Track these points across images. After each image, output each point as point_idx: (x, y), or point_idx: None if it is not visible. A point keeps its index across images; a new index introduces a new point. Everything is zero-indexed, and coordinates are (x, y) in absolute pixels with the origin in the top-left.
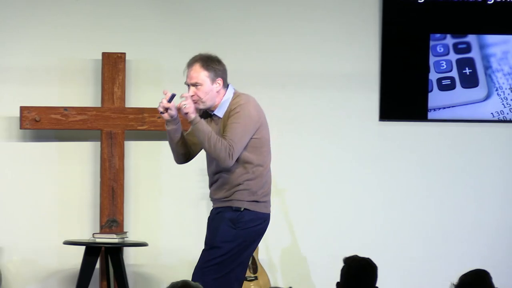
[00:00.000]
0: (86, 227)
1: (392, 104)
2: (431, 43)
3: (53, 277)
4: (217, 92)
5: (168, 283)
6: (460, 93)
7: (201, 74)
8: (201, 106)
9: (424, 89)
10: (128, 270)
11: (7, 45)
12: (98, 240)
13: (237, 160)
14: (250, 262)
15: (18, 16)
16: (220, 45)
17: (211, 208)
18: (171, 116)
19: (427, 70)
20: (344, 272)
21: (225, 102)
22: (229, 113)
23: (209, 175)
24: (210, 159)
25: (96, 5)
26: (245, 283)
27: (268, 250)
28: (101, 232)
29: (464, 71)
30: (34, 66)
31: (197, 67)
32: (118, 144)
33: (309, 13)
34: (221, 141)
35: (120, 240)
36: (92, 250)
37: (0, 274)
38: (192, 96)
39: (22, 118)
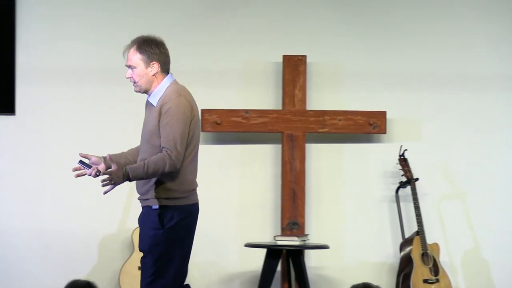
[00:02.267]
0: (267, 230)
1: None
2: None
3: (235, 280)
4: (154, 75)
5: (349, 285)
6: None
7: (135, 57)
8: (137, 89)
9: None
10: (309, 273)
11: (189, 48)
12: (279, 243)
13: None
14: (431, 265)
15: (200, 20)
16: (401, 46)
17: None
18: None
19: None
20: None
21: (159, 90)
22: (161, 106)
23: None
24: (142, 148)
25: (277, 8)
26: (427, 285)
27: (449, 253)
28: (282, 235)
29: None
30: (215, 69)
31: (132, 50)
32: (299, 146)
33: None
34: (155, 160)
35: (301, 243)
36: (273, 253)
37: None
38: (129, 78)
39: (203, 121)
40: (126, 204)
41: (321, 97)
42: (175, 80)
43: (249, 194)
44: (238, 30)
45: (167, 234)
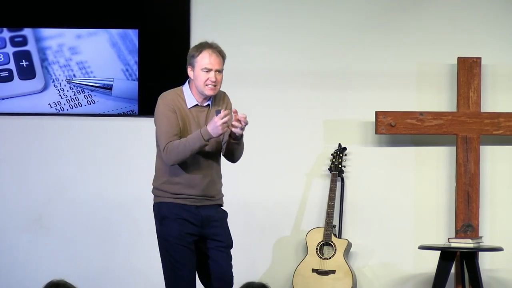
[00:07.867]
0: (441, 232)
1: None
2: None
3: (409, 281)
4: None
5: None
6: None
7: (221, 63)
8: (214, 92)
9: None
10: (483, 275)
11: (363, 50)
12: (453, 245)
13: (219, 156)
14: None
15: (375, 22)
16: None
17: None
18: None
19: None
20: None
21: None
22: (226, 103)
23: (198, 170)
24: (205, 152)
25: (450, 10)
26: None
27: None
28: (456, 237)
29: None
30: (391, 71)
31: (219, 55)
32: (474, 149)
33: None
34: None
35: (476, 245)
36: (447, 255)
37: (355, 278)
38: (213, 82)
39: (377, 123)
40: (300, 206)
41: (496, 99)
42: None
43: (423, 196)
44: (412, 32)
45: None
